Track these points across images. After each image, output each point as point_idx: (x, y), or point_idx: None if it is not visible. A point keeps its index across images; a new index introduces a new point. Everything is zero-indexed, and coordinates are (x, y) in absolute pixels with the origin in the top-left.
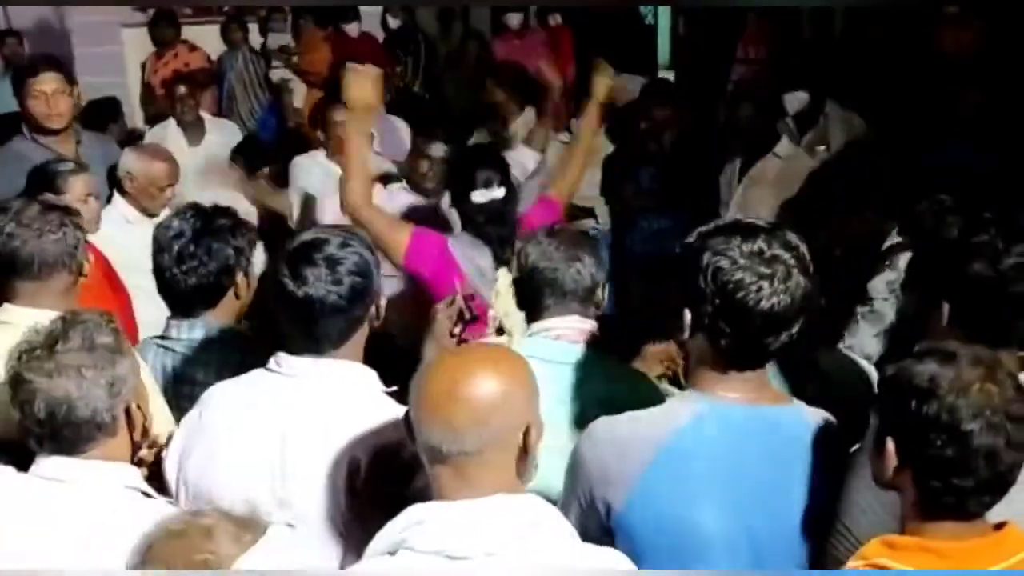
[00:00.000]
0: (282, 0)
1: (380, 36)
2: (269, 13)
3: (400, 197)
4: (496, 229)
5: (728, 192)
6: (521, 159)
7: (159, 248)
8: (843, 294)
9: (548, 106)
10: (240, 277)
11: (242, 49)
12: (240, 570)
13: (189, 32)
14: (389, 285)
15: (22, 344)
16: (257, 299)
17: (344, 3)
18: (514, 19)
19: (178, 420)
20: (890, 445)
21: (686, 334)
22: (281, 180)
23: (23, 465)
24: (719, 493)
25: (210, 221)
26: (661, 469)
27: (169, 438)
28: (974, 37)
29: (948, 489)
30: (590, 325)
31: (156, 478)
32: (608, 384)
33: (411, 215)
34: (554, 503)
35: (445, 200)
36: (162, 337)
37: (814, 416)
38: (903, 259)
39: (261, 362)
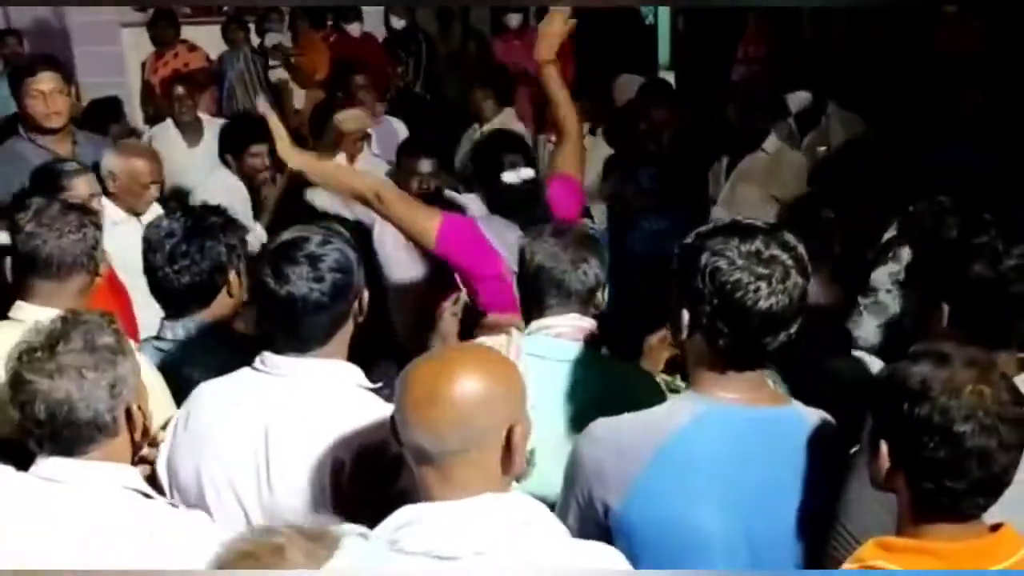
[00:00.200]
0: (282, 0)
1: (382, 36)
2: (266, 13)
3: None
4: (527, 209)
5: (716, 188)
6: None
7: (150, 248)
8: (847, 291)
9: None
10: (232, 275)
11: (243, 49)
12: None
13: (189, 32)
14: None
15: (22, 344)
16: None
17: (344, 3)
18: (514, 19)
19: None
20: (883, 447)
21: (684, 334)
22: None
23: (22, 464)
24: (717, 493)
25: (201, 219)
26: (659, 469)
27: None
28: (974, 37)
29: (941, 491)
30: (589, 323)
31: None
32: (607, 382)
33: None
34: (552, 500)
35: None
36: (157, 337)
37: (812, 416)
38: (905, 250)
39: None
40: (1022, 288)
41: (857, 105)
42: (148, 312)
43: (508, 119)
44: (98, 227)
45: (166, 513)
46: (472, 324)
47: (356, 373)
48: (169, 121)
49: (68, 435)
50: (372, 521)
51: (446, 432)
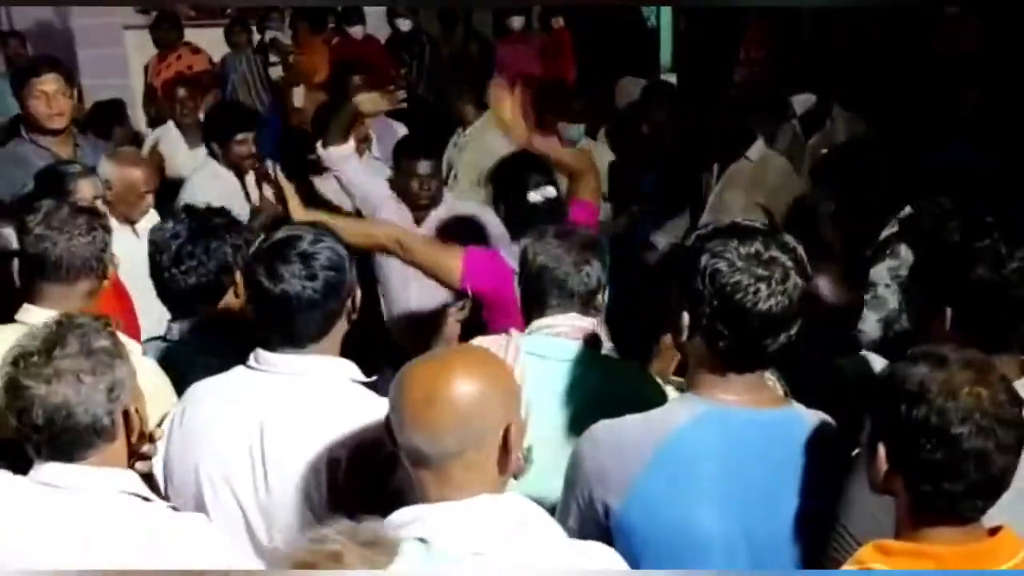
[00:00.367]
0: (283, 1)
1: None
2: (266, 12)
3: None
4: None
5: (708, 194)
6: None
7: (156, 250)
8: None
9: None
10: (239, 275)
11: (246, 51)
12: None
13: (192, 35)
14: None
15: (17, 349)
16: None
17: (344, 3)
18: (516, 22)
19: None
20: (881, 450)
21: (684, 336)
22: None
23: (19, 466)
24: (717, 494)
25: (205, 221)
26: (659, 470)
27: None
28: (974, 37)
29: (939, 493)
30: (589, 323)
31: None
32: (606, 381)
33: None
34: (552, 500)
35: (474, 207)
36: (163, 338)
37: (812, 418)
38: (903, 247)
39: None
40: None
41: (857, 105)
42: (148, 319)
43: (489, 121)
44: (107, 230)
45: (166, 516)
46: (474, 327)
47: (350, 368)
48: (171, 123)
49: (66, 440)
50: (367, 514)
51: (444, 433)
